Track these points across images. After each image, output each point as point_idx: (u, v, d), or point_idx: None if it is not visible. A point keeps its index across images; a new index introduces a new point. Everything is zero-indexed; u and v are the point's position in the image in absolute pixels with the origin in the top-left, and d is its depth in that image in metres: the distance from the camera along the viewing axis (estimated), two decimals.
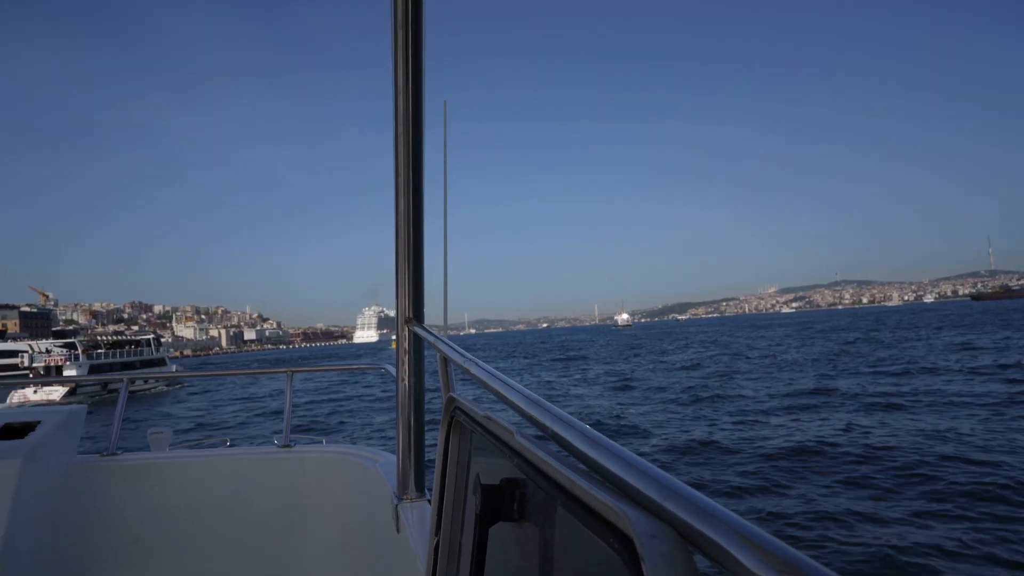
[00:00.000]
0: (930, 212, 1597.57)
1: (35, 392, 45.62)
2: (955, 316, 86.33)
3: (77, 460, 3.50)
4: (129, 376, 4.04)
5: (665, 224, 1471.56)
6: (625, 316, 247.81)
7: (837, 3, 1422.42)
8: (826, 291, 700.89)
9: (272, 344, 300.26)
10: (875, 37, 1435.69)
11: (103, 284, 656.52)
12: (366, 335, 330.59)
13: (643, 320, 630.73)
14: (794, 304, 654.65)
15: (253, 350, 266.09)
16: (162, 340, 63.43)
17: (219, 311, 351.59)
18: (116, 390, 41.39)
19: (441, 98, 1.75)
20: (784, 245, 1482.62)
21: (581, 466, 0.70)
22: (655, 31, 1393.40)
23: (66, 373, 47.89)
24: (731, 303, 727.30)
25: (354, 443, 3.90)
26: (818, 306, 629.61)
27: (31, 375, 48.56)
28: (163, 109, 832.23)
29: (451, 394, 1.35)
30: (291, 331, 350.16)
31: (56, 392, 45.11)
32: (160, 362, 58.46)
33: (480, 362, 1.34)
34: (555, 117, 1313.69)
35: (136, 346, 57.41)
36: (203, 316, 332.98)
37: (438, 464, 1.36)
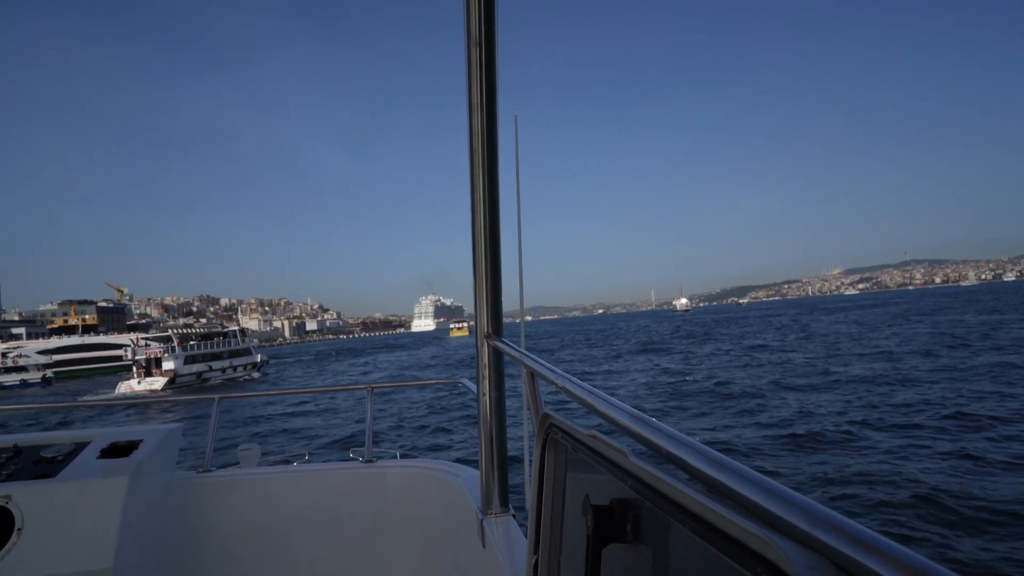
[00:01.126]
0: (1006, 184, 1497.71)
1: (139, 383, 47.61)
2: None
3: (176, 477, 3.53)
4: (220, 397, 4.01)
5: (723, 206, 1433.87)
6: (684, 300, 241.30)
7: None
8: (895, 271, 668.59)
9: (333, 334, 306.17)
10: (935, 11, 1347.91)
11: (173, 279, 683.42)
12: (424, 324, 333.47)
13: (702, 304, 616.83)
14: (860, 285, 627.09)
15: (315, 340, 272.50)
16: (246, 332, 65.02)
17: (282, 302, 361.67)
18: (209, 379, 42.24)
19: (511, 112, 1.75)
20: (848, 225, 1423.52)
21: (707, 489, 0.66)
22: (705, 9, 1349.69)
23: (165, 365, 49.27)
24: (793, 285, 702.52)
25: (435, 457, 3.89)
26: (886, 287, 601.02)
27: (135, 368, 50.21)
28: (230, 111, 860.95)
29: (545, 411, 1.31)
30: (351, 321, 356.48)
31: (158, 382, 46.76)
32: (246, 352, 60.40)
33: (575, 378, 1.24)
34: (608, 101, 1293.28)
35: (224, 337, 58.91)
36: (267, 308, 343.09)
37: (533, 482, 1.32)
